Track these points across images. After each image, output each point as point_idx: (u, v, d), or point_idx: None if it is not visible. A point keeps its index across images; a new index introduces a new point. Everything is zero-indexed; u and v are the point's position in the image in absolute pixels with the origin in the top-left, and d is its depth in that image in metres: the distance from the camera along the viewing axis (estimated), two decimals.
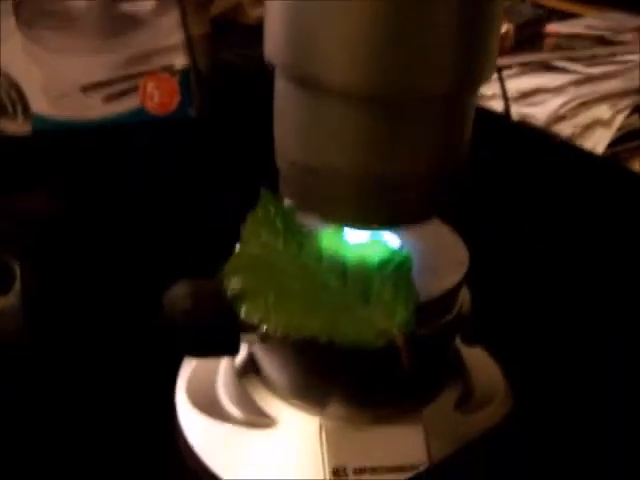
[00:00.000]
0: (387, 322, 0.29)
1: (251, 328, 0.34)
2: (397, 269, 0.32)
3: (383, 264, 0.32)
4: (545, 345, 0.44)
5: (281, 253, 0.33)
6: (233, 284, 0.31)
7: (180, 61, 0.60)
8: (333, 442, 0.33)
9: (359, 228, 0.33)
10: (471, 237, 0.36)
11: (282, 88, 0.30)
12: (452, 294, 0.33)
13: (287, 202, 0.36)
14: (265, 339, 0.34)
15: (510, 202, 0.58)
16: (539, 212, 0.58)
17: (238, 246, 0.34)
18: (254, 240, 0.33)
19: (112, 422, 0.39)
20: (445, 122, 0.30)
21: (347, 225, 0.33)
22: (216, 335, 0.35)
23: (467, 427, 0.36)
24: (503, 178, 0.60)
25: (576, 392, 0.41)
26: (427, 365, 0.35)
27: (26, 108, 0.59)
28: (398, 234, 0.35)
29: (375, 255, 0.33)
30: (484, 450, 0.35)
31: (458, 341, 0.38)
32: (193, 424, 0.37)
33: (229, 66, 0.74)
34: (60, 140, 0.59)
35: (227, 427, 0.36)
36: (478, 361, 0.40)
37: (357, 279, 0.32)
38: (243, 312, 0.30)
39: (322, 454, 0.33)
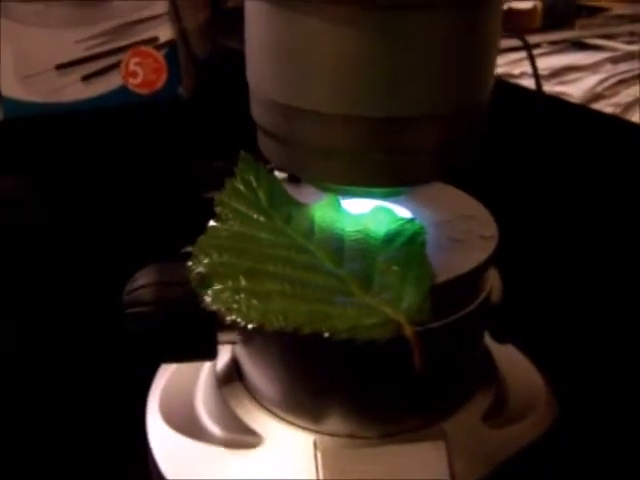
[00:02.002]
0: (392, 308, 0.22)
1: (230, 326, 0.28)
2: (407, 244, 0.26)
3: (390, 238, 0.26)
4: (596, 343, 0.37)
5: (263, 228, 0.26)
6: (198, 266, 0.24)
7: (165, 33, 0.54)
8: (331, 464, 0.26)
9: (353, 192, 0.26)
10: (503, 216, 0.29)
11: (255, 14, 0.24)
12: (477, 275, 0.26)
13: (279, 174, 0.30)
14: (244, 335, 0.28)
15: (546, 179, 0.51)
16: (577, 190, 0.51)
17: (211, 222, 0.27)
18: (230, 214, 0.27)
19: (71, 441, 0.33)
20: (461, 45, 0.23)
21: (338, 186, 0.26)
22: (188, 335, 0.28)
23: (499, 444, 0.29)
24: (535, 154, 0.54)
25: (635, 402, 0.34)
26: (447, 367, 0.28)
27: None
28: (409, 203, 0.29)
29: (380, 227, 0.26)
30: (521, 473, 0.29)
31: (488, 338, 0.31)
32: (165, 444, 0.30)
33: (230, 51, 0.69)
34: (34, 125, 0.54)
35: (204, 448, 0.29)
36: (512, 363, 0.33)
37: (356, 256, 0.25)
38: (208, 299, 0.23)
39: (318, 479, 0.26)
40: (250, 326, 0.22)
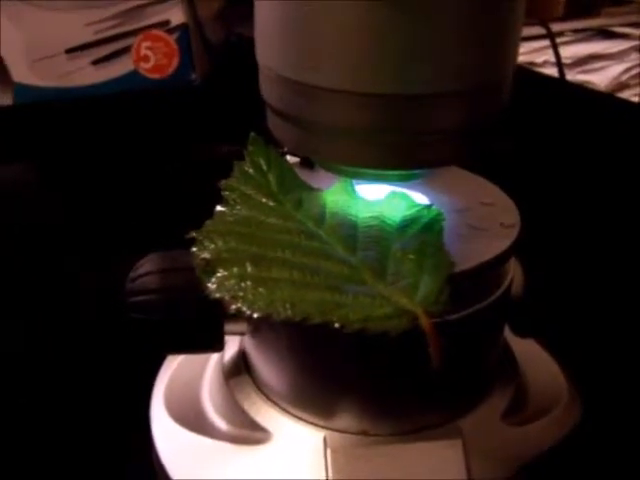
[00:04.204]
0: (408, 298, 0.21)
1: (238, 315, 0.27)
2: (424, 231, 0.24)
3: (406, 224, 0.24)
4: (624, 339, 0.35)
5: (271, 212, 0.25)
6: (203, 252, 0.23)
7: (177, 16, 0.53)
8: (341, 463, 0.25)
9: (367, 175, 0.25)
10: (526, 205, 0.28)
11: None
12: (498, 265, 0.25)
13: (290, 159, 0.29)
14: (252, 325, 0.27)
15: (569, 168, 0.50)
16: (601, 179, 0.49)
17: (218, 207, 0.26)
18: (238, 198, 0.26)
19: (75, 435, 0.32)
20: (479, 23, 0.22)
21: (351, 168, 0.25)
22: (193, 325, 0.27)
23: (519, 443, 0.27)
24: (557, 142, 0.52)
25: None
26: (465, 362, 0.26)
27: (5, 76, 0.53)
28: (427, 190, 0.27)
29: (396, 214, 0.25)
30: (543, 474, 0.27)
31: (508, 332, 0.30)
32: (169, 439, 0.29)
33: (245, 39, 0.67)
34: (44, 110, 0.52)
35: (209, 443, 0.28)
36: (534, 358, 0.31)
37: (370, 243, 0.24)
38: (212, 286, 0.22)
39: (326, 477, 0.25)
40: (256, 315, 0.21)
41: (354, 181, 0.27)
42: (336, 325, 0.20)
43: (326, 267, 0.23)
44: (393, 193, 0.26)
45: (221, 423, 0.28)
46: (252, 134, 0.28)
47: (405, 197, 0.26)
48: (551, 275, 0.29)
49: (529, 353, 0.31)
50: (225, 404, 0.29)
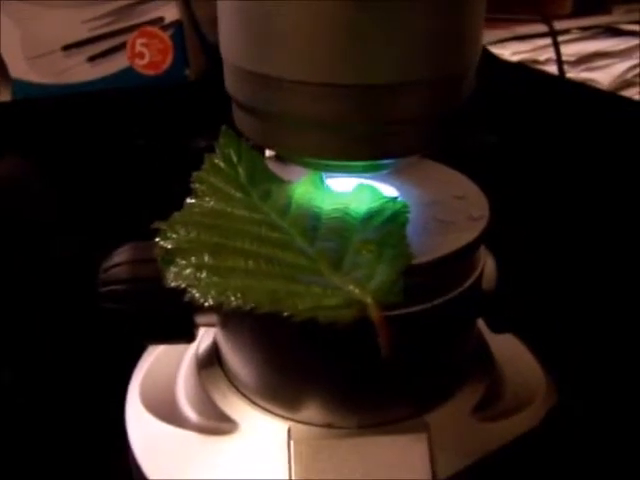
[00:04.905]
0: (360, 289, 0.21)
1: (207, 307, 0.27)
2: (387, 223, 0.24)
3: (369, 216, 0.24)
4: (602, 331, 0.35)
5: (238, 204, 0.25)
6: (166, 242, 0.23)
7: (171, 13, 0.53)
8: (304, 454, 0.25)
9: (332, 167, 0.25)
10: (520, 204, 0.28)
11: None
12: (462, 257, 0.25)
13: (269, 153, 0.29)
14: (220, 317, 0.27)
15: (566, 167, 0.49)
16: (595, 177, 0.48)
17: (188, 199, 0.26)
18: (207, 190, 0.26)
19: (55, 428, 0.33)
20: (437, 11, 0.21)
21: (314, 160, 0.25)
22: (164, 315, 0.27)
23: (490, 438, 0.27)
24: (556, 140, 0.51)
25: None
26: (430, 356, 0.26)
27: (4, 72, 0.53)
28: (399, 183, 0.27)
29: (361, 206, 0.25)
30: (509, 467, 0.27)
31: (483, 326, 0.29)
32: (140, 427, 0.29)
33: None
34: (41, 106, 0.53)
35: (179, 432, 0.28)
36: (512, 354, 0.31)
37: (331, 235, 0.24)
38: (170, 275, 0.22)
39: (289, 469, 0.25)
40: (207, 304, 0.21)
41: (325, 174, 0.27)
42: (285, 314, 0.20)
43: (283, 257, 0.23)
44: (361, 186, 0.26)
45: (192, 414, 0.28)
46: (224, 127, 0.28)
47: (373, 190, 0.26)
48: (525, 269, 0.29)
49: (507, 349, 0.31)
50: (196, 395, 0.29)
